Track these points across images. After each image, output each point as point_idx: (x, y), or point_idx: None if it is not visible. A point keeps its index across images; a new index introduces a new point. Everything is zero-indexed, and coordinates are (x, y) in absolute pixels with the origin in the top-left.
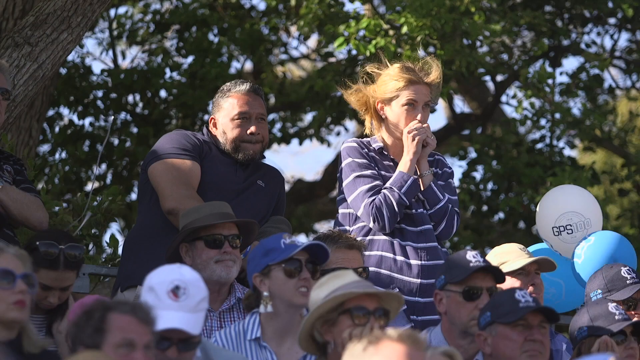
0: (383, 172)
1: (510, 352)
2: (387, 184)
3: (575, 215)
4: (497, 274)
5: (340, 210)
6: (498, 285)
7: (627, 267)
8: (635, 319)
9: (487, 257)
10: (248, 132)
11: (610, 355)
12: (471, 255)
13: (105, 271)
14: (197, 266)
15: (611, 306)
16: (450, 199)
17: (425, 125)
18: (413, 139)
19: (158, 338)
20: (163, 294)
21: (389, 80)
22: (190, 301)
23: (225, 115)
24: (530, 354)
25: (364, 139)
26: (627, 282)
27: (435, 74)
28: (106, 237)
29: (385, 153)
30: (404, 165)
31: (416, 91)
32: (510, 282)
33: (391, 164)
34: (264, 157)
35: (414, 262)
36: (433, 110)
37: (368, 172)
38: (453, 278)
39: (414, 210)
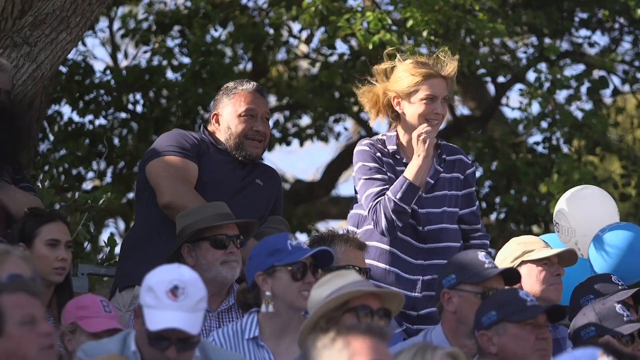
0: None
1: (523, 350)
2: (388, 191)
3: (564, 218)
4: (511, 277)
5: (352, 211)
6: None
7: (615, 276)
8: None
9: (509, 244)
10: (254, 129)
11: (598, 349)
12: (483, 256)
13: (103, 271)
14: (201, 267)
15: (618, 307)
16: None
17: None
18: (424, 142)
19: (157, 338)
20: (162, 293)
21: (405, 76)
22: (189, 301)
23: (231, 111)
24: (541, 352)
25: (380, 137)
26: (619, 287)
27: (450, 67)
28: (103, 237)
29: (398, 157)
30: (410, 170)
31: (433, 85)
32: (535, 272)
33: (403, 168)
34: (262, 158)
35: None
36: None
37: (378, 176)
38: (468, 278)
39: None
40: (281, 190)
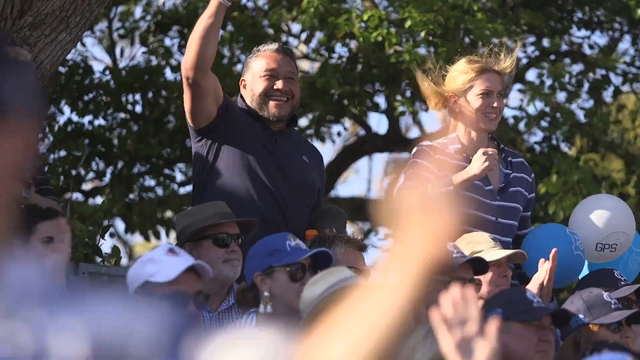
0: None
1: (525, 351)
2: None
3: (623, 235)
4: (479, 266)
5: None
6: (477, 277)
7: (619, 271)
8: (633, 310)
9: (457, 243)
10: (274, 87)
11: (628, 356)
12: (450, 246)
13: (104, 270)
14: None
15: (605, 295)
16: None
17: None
18: (485, 161)
19: (175, 295)
20: (162, 256)
21: (458, 74)
22: (189, 256)
23: (253, 73)
24: (543, 354)
25: (440, 141)
26: (622, 282)
27: (507, 62)
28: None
29: (464, 155)
30: (458, 177)
31: (488, 79)
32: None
33: (466, 165)
34: (297, 122)
35: None
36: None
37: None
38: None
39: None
40: (324, 175)
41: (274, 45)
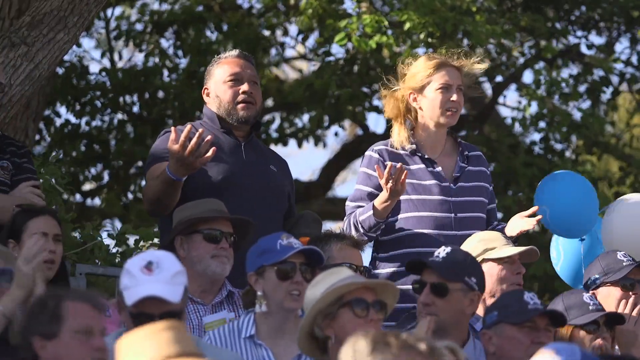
0: (411, 180)
1: (516, 353)
2: (359, 213)
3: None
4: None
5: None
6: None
7: (624, 252)
8: (608, 311)
9: (470, 240)
10: (241, 91)
11: (577, 347)
12: (440, 251)
13: (101, 271)
14: (191, 259)
15: (585, 296)
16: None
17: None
18: (387, 182)
19: (138, 315)
20: (137, 271)
21: (418, 71)
22: (165, 273)
23: (217, 80)
24: None
25: (398, 138)
26: (624, 264)
27: (466, 61)
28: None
29: (419, 154)
30: (378, 200)
31: (448, 73)
32: (496, 270)
33: (422, 166)
34: (260, 126)
35: None
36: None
37: (368, 189)
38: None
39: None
40: (292, 181)
41: (235, 52)
